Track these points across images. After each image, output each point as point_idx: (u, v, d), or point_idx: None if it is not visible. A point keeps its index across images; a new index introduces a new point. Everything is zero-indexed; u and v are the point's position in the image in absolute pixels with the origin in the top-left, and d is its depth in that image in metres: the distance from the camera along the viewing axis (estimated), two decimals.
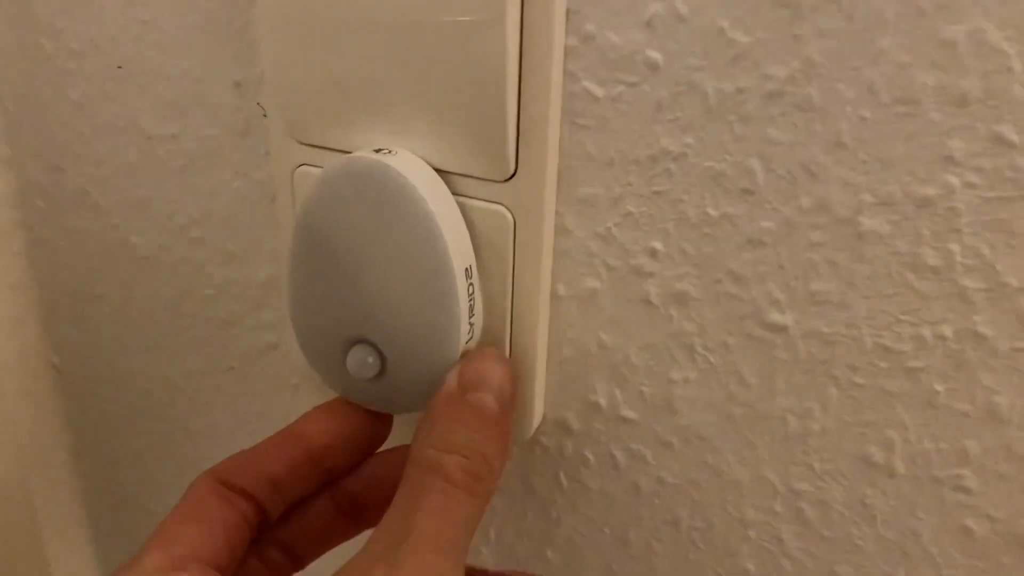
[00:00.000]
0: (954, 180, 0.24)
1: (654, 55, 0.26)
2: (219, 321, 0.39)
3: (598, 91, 0.27)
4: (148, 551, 0.25)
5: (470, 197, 0.29)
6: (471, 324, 0.30)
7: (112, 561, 0.52)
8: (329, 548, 0.31)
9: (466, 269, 0.29)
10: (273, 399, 0.40)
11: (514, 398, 0.29)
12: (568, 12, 0.26)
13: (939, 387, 0.27)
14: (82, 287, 0.41)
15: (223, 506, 0.27)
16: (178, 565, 0.24)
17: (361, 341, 0.30)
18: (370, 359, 0.30)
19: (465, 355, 0.29)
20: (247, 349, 0.39)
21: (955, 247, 0.25)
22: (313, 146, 0.31)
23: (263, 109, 0.33)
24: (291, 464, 0.29)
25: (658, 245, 0.28)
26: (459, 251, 0.29)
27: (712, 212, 0.27)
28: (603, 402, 0.32)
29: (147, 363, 0.42)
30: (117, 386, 0.44)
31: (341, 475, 0.31)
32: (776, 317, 0.28)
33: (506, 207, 0.29)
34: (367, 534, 0.26)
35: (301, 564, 0.31)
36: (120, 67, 0.34)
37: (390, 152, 0.29)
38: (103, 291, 0.41)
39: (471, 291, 0.30)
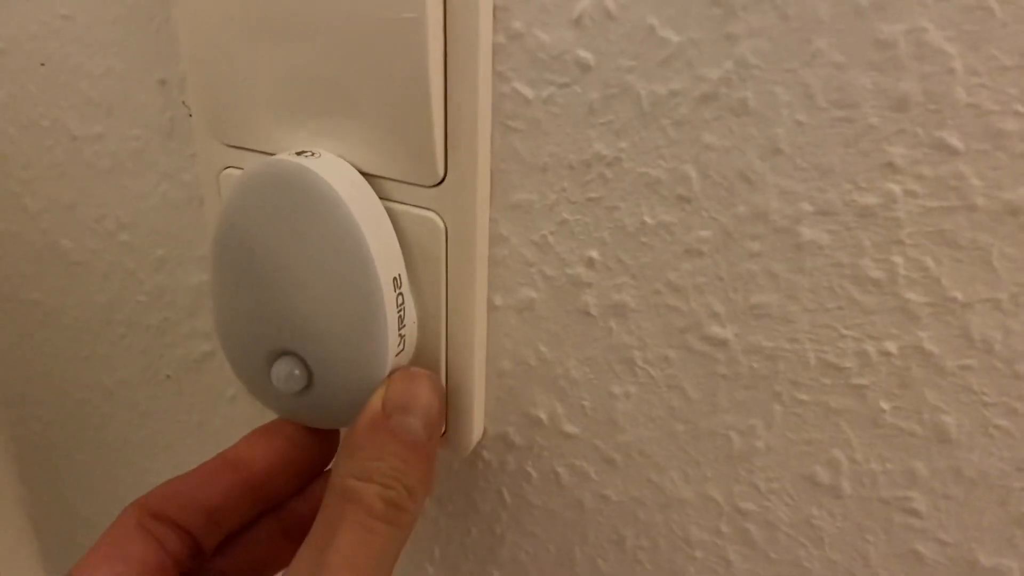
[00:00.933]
0: (895, 188, 0.23)
1: (584, 55, 0.24)
2: (153, 328, 0.37)
3: (528, 92, 0.26)
4: None
5: (399, 202, 0.28)
6: (401, 336, 0.29)
7: (61, 572, 0.51)
8: (274, 574, 0.30)
9: (395, 278, 0.28)
10: (211, 409, 0.38)
11: (442, 420, 0.27)
12: (495, 9, 0.25)
13: (885, 405, 0.25)
14: (14, 292, 0.40)
15: (147, 543, 0.25)
16: None
17: (287, 353, 0.29)
18: (296, 372, 0.29)
19: (393, 373, 0.28)
20: (182, 358, 0.37)
21: (898, 259, 0.23)
22: (238, 148, 0.30)
23: (188, 109, 0.31)
24: (228, 493, 0.27)
25: (595, 254, 0.27)
26: (386, 259, 0.27)
27: (648, 220, 0.26)
28: (544, 416, 0.31)
29: (83, 372, 0.40)
30: (54, 394, 0.42)
31: (285, 499, 0.29)
32: (716, 330, 0.26)
33: (436, 213, 0.28)
34: None
35: None
36: (43, 64, 0.33)
37: (313, 154, 0.28)
38: (34, 297, 0.39)
39: (400, 301, 0.28)
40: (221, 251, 0.28)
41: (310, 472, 0.29)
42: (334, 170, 0.27)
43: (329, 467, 0.30)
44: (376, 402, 0.26)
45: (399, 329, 0.28)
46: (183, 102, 0.31)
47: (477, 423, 0.32)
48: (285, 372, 0.29)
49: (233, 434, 0.38)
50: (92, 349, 0.39)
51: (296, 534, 0.29)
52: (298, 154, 0.27)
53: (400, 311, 0.28)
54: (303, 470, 0.29)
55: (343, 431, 0.30)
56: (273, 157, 0.27)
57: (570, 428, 0.30)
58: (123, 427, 0.41)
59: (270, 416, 0.36)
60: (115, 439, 0.42)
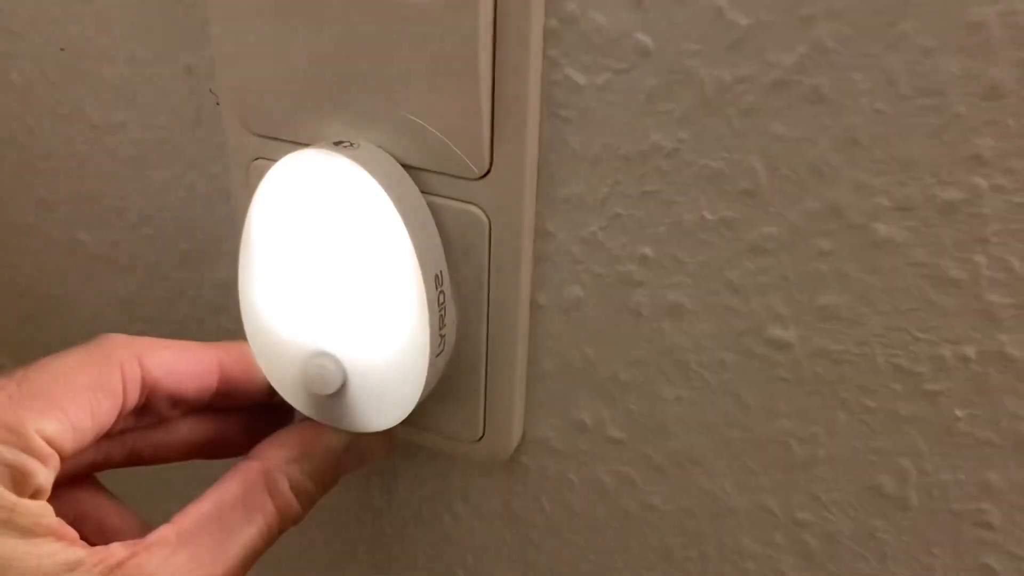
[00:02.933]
0: (982, 183, 0.21)
1: (644, 39, 0.23)
2: (176, 325, 0.36)
3: (581, 79, 0.24)
4: (48, 411, 0.22)
5: (441, 196, 0.27)
6: (442, 336, 0.27)
7: None
8: (174, 461, 0.29)
9: (436, 275, 0.27)
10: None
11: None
12: None
13: (959, 412, 0.24)
14: (31, 286, 0.38)
15: (118, 391, 0.25)
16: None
17: (321, 353, 0.28)
18: (330, 372, 0.27)
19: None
20: None
21: (981, 258, 0.22)
22: (269, 138, 0.28)
23: (216, 96, 0.30)
24: (201, 394, 0.27)
25: (648, 251, 0.26)
26: (428, 256, 0.26)
27: (709, 216, 0.24)
28: (588, 421, 0.29)
29: None
30: None
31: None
32: (779, 333, 0.25)
33: (480, 207, 0.26)
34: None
35: (140, 462, 0.28)
36: (62, 49, 0.31)
37: (351, 145, 0.26)
38: (53, 290, 0.38)
39: (441, 300, 0.27)
40: (252, 245, 0.27)
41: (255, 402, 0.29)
42: (373, 162, 0.26)
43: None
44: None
45: (440, 329, 0.27)
46: (210, 90, 0.30)
47: (516, 427, 0.31)
48: (319, 373, 0.27)
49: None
50: None
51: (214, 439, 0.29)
52: (335, 144, 0.26)
53: (441, 310, 0.27)
54: (252, 402, 0.29)
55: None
56: (311, 148, 0.25)
57: (616, 433, 0.29)
58: None
59: None
60: None
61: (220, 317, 0.35)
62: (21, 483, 0.21)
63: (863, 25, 0.21)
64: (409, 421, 0.28)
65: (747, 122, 0.23)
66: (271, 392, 0.29)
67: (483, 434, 0.31)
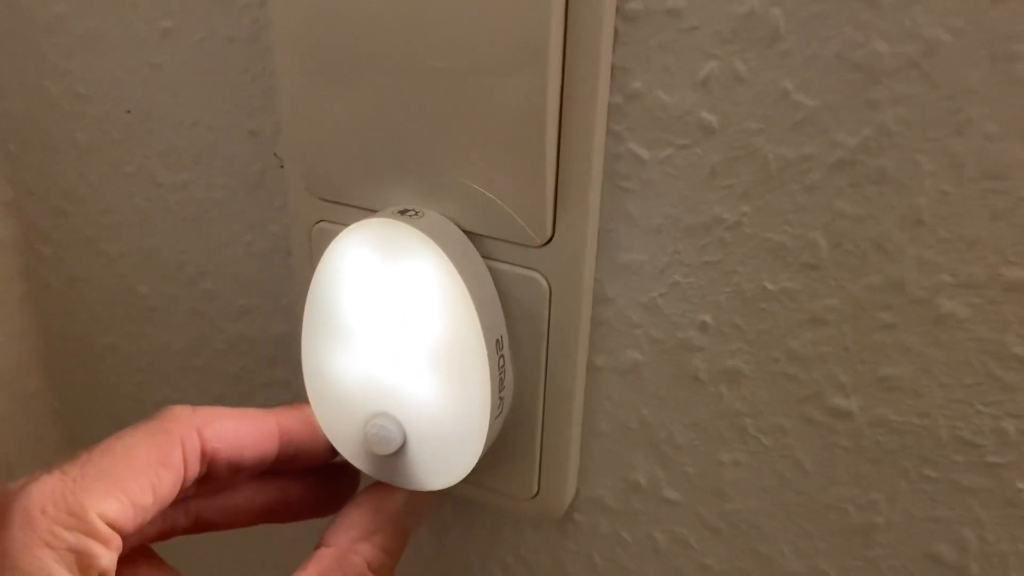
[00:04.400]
0: None
1: (708, 117, 0.23)
2: (231, 376, 0.37)
3: (645, 153, 0.25)
4: (109, 493, 0.23)
5: (503, 262, 0.27)
6: (501, 398, 0.28)
7: None
8: (239, 526, 0.29)
9: (497, 340, 0.27)
10: None
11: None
12: (613, 69, 0.24)
13: (1022, 485, 0.24)
14: (88, 335, 0.39)
15: (179, 464, 0.25)
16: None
17: (382, 414, 0.28)
18: (390, 433, 0.28)
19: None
20: (259, 406, 0.36)
21: None
22: (333, 202, 0.29)
23: (280, 160, 0.31)
24: (262, 459, 0.27)
25: (708, 318, 0.26)
26: (490, 322, 0.27)
27: (769, 286, 0.25)
28: (643, 481, 0.30)
29: None
30: None
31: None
32: (840, 402, 0.25)
33: (541, 274, 0.27)
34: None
35: (205, 528, 0.29)
36: (128, 111, 0.32)
37: (416, 214, 0.27)
38: (110, 340, 0.39)
39: (502, 363, 0.27)
40: (317, 307, 0.28)
41: (316, 461, 0.29)
42: (439, 230, 0.26)
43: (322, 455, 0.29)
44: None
45: (499, 392, 0.27)
46: (275, 153, 0.31)
47: (570, 485, 0.31)
48: (380, 435, 0.28)
49: None
50: (166, 394, 0.39)
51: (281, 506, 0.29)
52: (401, 213, 0.27)
53: (501, 373, 0.27)
54: (313, 459, 0.29)
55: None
56: (378, 216, 0.26)
57: (671, 494, 0.29)
58: None
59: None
60: None
61: (275, 369, 0.35)
62: (86, 567, 0.22)
63: (928, 111, 0.21)
64: (465, 478, 0.28)
65: (811, 198, 0.23)
66: (333, 452, 0.29)
67: (537, 491, 0.31)
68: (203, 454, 0.26)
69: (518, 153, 0.25)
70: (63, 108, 0.34)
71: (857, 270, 0.23)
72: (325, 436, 0.29)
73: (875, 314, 0.24)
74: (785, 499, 0.27)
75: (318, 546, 0.27)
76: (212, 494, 0.28)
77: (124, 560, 0.25)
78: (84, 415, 0.42)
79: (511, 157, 0.25)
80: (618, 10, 0.23)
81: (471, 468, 0.28)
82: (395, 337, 0.27)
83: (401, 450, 0.28)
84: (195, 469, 0.26)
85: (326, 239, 0.29)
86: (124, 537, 0.23)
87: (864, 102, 0.22)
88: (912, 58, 0.21)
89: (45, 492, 0.22)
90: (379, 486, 0.29)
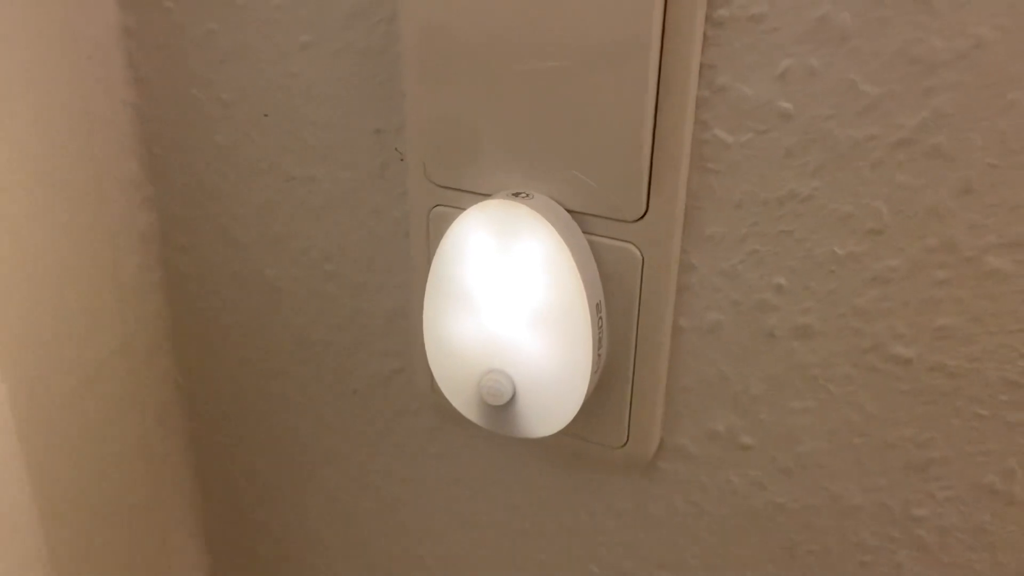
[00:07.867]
0: None
1: (785, 105, 0.28)
2: (345, 348, 0.41)
3: (728, 138, 0.29)
4: None
5: (600, 236, 0.32)
6: (599, 355, 0.32)
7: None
8: None
9: (596, 305, 0.31)
10: (392, 422, 0.42)
11: None
12: (702, 66, 0.28)
13: None
14: (215, 316, 0.44)
15: None
16: None
17: (495, 370, 0.32)
18: (503, 387, 0.32)
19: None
20: (372, 375, 0.41)
21: None
22: (449, 188, 0.34)
23: (400, 154, 0.35)
24: None
25: (783, 281, 0.30)
26: (591, 289, 0.31)
27: (838, 251, 0.29)
28: (721, 429, 0.34)
29: (272, 387, 0.45)
30: (241, 409, 0.47)
31: None
32: (900, 350, 0.29)
33: (635, 245, 0.31)
34: None
35: None
36: (266, 115, 0.37)
37: (528, 196, 0.31)
38: (234, 319, 0.44)
39: (600, 325, 0.32)
40: (440, 278, 0.32)
41: None
42: (548, 210, 0.31)
43: None
44: None
45: (598, 350, 0.32)
46: (396, 148, 0.35)
47: (656, 435, 0.35)
48: (493, 388, 0.32)
49: (412, 446, 0.42)
50: (283, 367, 0.44)
51: None
52: (514, 195, 0.31)
53: (599, 334, 0.32)
54: None
55: None
56: (494, 198, 0.30)
57: (747, 440, 0.33)
58: (303, 438, 0.45)
59: (450, 429, 0.40)
60: (295, 450, 0.46)
61: (387, 340, 0.40)
62: None
63: (977, 95, 0.25)
64: (562, 428, 0.32)
65: (875, 172, 0.27)
66: None
67: (627, 440, 0.35)
68: None
69: (618, 140, 0.29)
70: (207, 113, 0.39)
71: (915, 233, 0.27)
72: None
73: (931, 272, 0.28)
74: (850, 441, 0.31)
75: None
76: None
77: None
78: (205, 390, 0.47)
79: (611, 144, 0.30)
80: (707, 17, 0.28)
81: (572, 418, 0.32)
82: (508, 303, 0.31)
83: (511, 401, 0.33)
84: None
85: (443, 220, 0.34)
86: None
87: (922, 89, 0.26)
88: (963, 52, 0.25)
89: None
90: None
